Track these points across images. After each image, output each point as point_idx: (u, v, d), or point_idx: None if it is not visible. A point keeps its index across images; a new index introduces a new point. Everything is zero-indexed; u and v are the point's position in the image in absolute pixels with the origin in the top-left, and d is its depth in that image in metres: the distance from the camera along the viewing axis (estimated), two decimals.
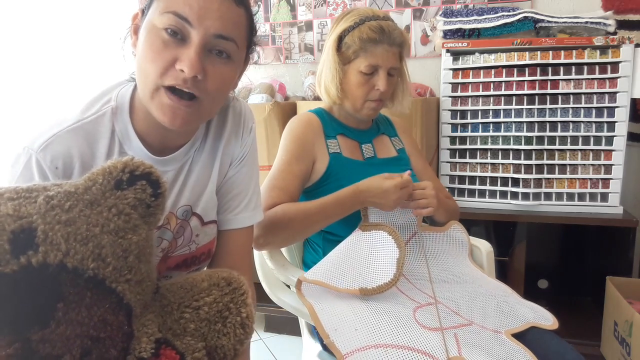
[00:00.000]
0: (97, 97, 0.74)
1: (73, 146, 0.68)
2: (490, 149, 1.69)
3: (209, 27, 0.65)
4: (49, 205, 0.51)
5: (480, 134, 1.69)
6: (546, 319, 0.98)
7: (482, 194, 1.73)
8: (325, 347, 1.05)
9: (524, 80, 1.61)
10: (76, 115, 0.70)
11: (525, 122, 1.63)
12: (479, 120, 1.68)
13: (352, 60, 1.11)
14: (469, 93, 1.68)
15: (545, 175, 1.64)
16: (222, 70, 0.69)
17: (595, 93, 1.58)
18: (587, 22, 1.60)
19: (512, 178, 1.67)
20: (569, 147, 1.62)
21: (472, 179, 1.74)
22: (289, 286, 1.13)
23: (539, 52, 1.59)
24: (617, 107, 1.56)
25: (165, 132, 0.74)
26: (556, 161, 1.64)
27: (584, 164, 1.62)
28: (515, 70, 1.62)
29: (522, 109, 1.62)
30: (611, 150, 1.59)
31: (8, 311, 0.46)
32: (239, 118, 0.85)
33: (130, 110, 0.74)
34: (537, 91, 1.61)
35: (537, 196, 1.65)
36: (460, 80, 1.68)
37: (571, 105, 1.60)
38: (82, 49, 2.56)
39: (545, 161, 1.64)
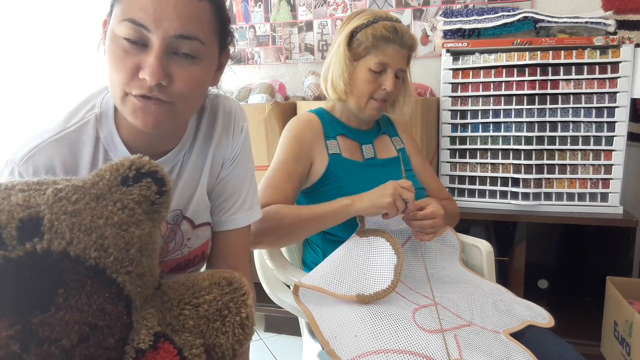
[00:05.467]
0: (80, 104, 0.73)
1: (55, 157, 0.67)
2: (490, 149, 1.69)
3: (167, 28, 0.62)
4: (57, 197, 0.53)
5: (480, 134, 1.69)
6: (542, 317, 0.98)
7: (482, 194, 1.73)
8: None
9: (524, 80, 1.61)
10: (58, 125, 0.70)
11: (525, 122, 1.62)
12: (479, 120, 1.68)
13: (362, 56, 1.11)
14: (469, 93, 1.68)
15: (545, 175, 1.64)
16: (191, 71, 0.66)
17: (595, 93, 1.58)
18: (587, 22, 1.60)
19: (512, 178, 1.67)
20: (569, 147, 1.62)
21: (472, 179, 1.73)
22: (289, 286, 1.13)
23: (539, 52, 1.59)
24: (617, 107, 1.56)
25: (150, 138, 0.72)
26: (556, 161, 1.63)
27: (584, 164, 1.62)
28: (515, 70, 1.62)
29: (522, 109, 1.62)
30: (611, 150, 1.59)
31: (11, 294, 0.49)
32: (229, 117, 0.83)
33: (115, 117, 0.72)
34: (537, 91, 1.61)
35: (537, 196, 1.65)
36: (460, 80, 1.68)
37: (571, 105, 1.60)
38: (74, 53, 2.55)
39: (545, 161, 1.64)
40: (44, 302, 0.49)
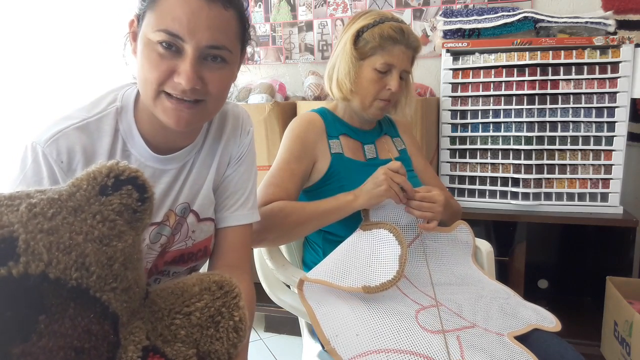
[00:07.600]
0: (103, 96, 0.78)
1: (77, 143, 0.71)
2: (490, 149, 1.69)
3: (200, 39, 0.67)
4: (32, 213, 0.49)
5: (480, 134, 1.69)
6: (550, 322, 0.98)
7: (482, 194, 1.73)
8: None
9: (524, 80, 1.61)
10: (82, 113, 0.74)
11: (525, 122, 1.62)
12: (479, 120, 1.68)
13: (368, 56, 1.11)
14: (469, 93, 1.68)
15: (545, 175, 1.64)
16: (220, 74, 0.72)
17: (595, 93, 1.58)
18: (587, 22, 1.60)
19: (512, 178, 1.67)
20: (569, 147, 1.62)
21: (472, 179, 1.73)
22: (289, 286, 1.13)
23: (539, 52, 1.59)
24: (617, 107, 1.56)
25: (168, 134, 0.77)
26: (556, 161, 1.63)
27: (584, 164, 1.62)
28: (515, 70, 1.62)
29: (522, 109, 1.62)
30: (611, 150, 1.58)
31: None
32: (237, 121, 0.89)
33: (134, 111, 0.77)
34: (537, 91, 1.61)
35: (537, 196, 1.65)
36: (460, 80, 1.68)
37: (571, 105, 1.59)
38: (85, 50, 2.56)
39: (545, 161, 1.64)
40: (24, 330, 0.46)
